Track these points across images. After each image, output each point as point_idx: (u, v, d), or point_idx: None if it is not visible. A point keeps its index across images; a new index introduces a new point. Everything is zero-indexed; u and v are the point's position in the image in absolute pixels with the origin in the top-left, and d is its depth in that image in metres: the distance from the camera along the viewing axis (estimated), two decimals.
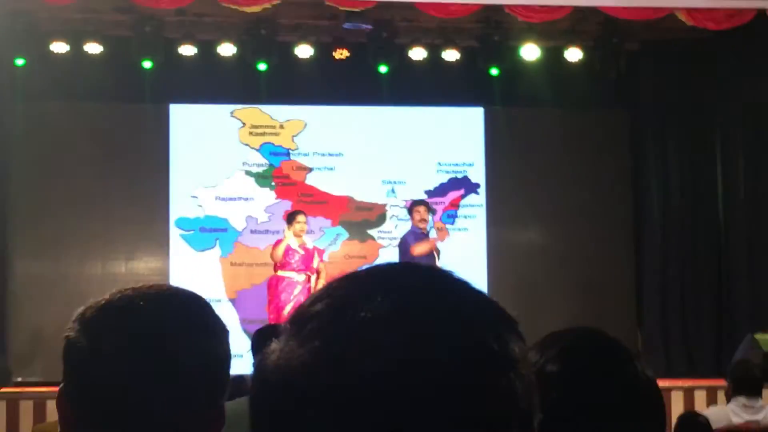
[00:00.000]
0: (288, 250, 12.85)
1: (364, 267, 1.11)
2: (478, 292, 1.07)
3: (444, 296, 1.04)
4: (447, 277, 1.07)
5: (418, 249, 12.60)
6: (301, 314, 1.05)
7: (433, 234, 13.03)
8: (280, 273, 12.87)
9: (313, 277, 12.90)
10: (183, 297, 1.87)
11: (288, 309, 12.40)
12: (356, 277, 1.07)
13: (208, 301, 1.90)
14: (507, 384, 1.00)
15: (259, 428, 1.05)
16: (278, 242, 13.03)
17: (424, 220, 12.91)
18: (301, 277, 12.78)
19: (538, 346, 1.82)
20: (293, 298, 12.63)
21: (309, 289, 12.69)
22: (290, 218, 13.09)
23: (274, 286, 12.96)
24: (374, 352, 0.97)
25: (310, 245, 13.12)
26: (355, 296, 1.02)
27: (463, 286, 1.06)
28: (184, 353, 1.76)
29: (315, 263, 12.94)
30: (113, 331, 1.77)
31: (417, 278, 1.06)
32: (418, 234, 12.84)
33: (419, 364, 0.97)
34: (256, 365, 1.07)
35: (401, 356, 0.97)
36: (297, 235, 12.91)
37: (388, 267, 1.10)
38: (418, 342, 0.98)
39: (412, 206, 13.23)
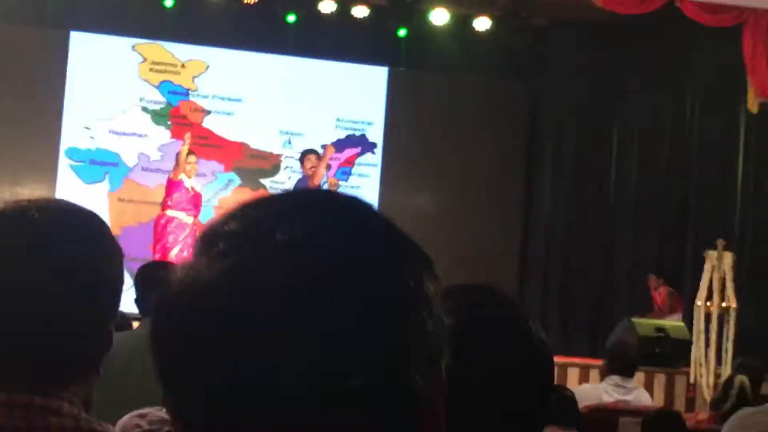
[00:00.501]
0: (180, 187, 12.70)
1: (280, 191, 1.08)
2: (396, 228, 1.05)
3: (362, 226, 1.02)
4: (366, 208, 1.04)
5: None
6: (213, 232, 1.00)
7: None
8: (169, 213, 12.72)
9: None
10: (78, 212, 1.84)
11: (175, 251, 12.24)
12: (273, 200, 1.04)
13: (104, 221, 1.87)
14: (419, 322, 0.99)
15: (161, 345, 1.01)
16: (170, 184, 12.85)
17: (314, 167, 12.86)
18: (189, 219, 12.62)
19: None
20: (181, 240, 12.48)
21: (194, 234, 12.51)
22: (181, 157, 12.91)
23: (162, 225, 12.80)
24: (287, 274, 0.94)
25: (198, 188, 12.98)
26: (272, 218, 0.99)
27: (382, 219, 1.04)
28: (71, 267, 1.73)
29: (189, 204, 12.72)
30: (5, 239, 1.73)
31: (336, 205, 1.03)
32: (306, 183, 12.83)
33: (331, 291, 0.95)
34: (160, 282, 1.03)
35: (314, 281, 0.95)
36: (189, 175, 12.77)
37: (307, 192, 1.07)
38: (333, 269, 0.96)
39: (303, 155, 13.25)
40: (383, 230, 1.03)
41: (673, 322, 12.84)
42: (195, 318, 0.96)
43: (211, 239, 1.00)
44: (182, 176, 12.77)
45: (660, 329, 12.32)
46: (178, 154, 12.89)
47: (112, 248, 1.82)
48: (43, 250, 1.72)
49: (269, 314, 0.94)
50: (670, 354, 12.12)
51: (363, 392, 0.95)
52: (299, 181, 13.14)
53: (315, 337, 0.93)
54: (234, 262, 0.96)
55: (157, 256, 12.39)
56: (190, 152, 13.02)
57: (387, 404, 0.97)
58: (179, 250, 12.28)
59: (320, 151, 14.19)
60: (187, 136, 12.93)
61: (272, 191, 10.50)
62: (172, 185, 12.78)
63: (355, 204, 1.05)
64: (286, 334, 0.93)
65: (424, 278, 1.02)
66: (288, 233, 0.97)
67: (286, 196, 1.07)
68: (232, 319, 0.94)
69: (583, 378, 11.74)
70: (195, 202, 12.77)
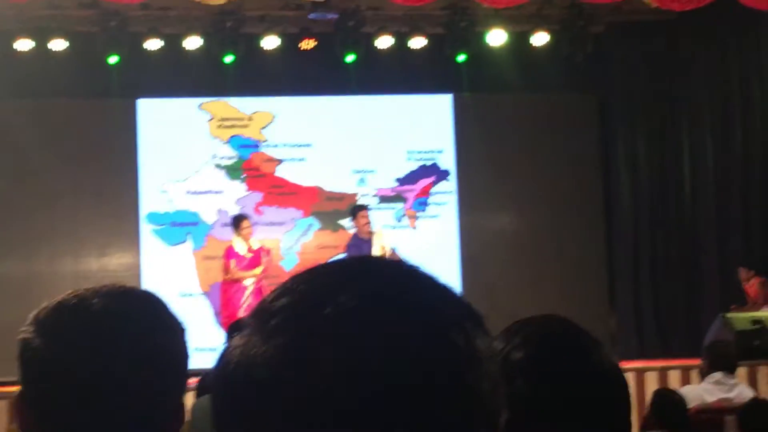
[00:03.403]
0: (235, 256, 12.89)
1: (329, 260, 1.09)
2: (444, 287, 1.05)
3: (408, 291, 1.02)
4: (411, 272, 1.05)
5: None
6: (264, 309, 1.02)
7: (379, 237, 12.82)
8: (228, 278, 12.86)
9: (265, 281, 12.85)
10: (137, 294, 1.84)
11: (240, 314, 12.35)
12: (320, 272, 1.05)
13: (162, 298, 1.86)
14: (472, 381, 0.99)
15: (222, 425, 1.02)
16: (227, 251, 13.02)
17: (368, 224, 12.78)
18: (249, 281, 12.73)
19: (504, 334, 1.82)
20: (242, 303, 12.57)
21: (259, 290, 12.62)
22: (236, 223, 13.10)
23: (224, 291, 12.99)
24: (338, 348, 0.96)
25: (256, 246, 13.06)
26: (319, 292, 1.00)
27: (428, 281, 1.04)
28: (138, 350, 1.73)
29: (260, 268, 12.85)
30: (67, 330, 1.74)
31: (381, 273, 1.04)
32: (360, 243, 12.73)
33: (383, 360, 0.96)
34: (218, 361, 1.04)
35: (365, 353, 0.96)
36: (245, 239, 12.94)
37: (352, 261, 1.08)
38: (382, 338, 0.97)
39: (355, 212, 13.09)
40: (429, 293, 1.03)
41: None
42: (252, 396, 0.98)
43: (263, 316, 1.01)
44: (235, 244, 12.97)
45: (757, 321, 12.17)
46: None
47: (172, 324, 1.82)
48: (107, 338, 1.73)
49: (321, 389, 0.95)
50: None
51: None
52: (350, 244, 13.00)
53: (368, 409, 0.94)
54: (285, 339, 0.98)
55: (224, 323, 12.55)
56: (244, 216, 13.23)
57: None
58: (243, 313, 12.40)
59: (395, 185, 14.27)
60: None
61: (352, 231, 10.46)
62: (230, 255, 12.97)
63: (400, 269, 1.05)
64: (338, 408, 0.94)
65: (474, 336, 1.01)
66: (335, 306, 0.98)
67: (332, 267, 1.06)
68: (287, 395, 0.96)
69: (684, 379, 11.61)
70: (253, 262, 12.87)
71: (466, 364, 0.99)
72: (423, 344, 0.97)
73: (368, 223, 12.78)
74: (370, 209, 13.22)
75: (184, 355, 1.81)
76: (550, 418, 1.72)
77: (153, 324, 1.79)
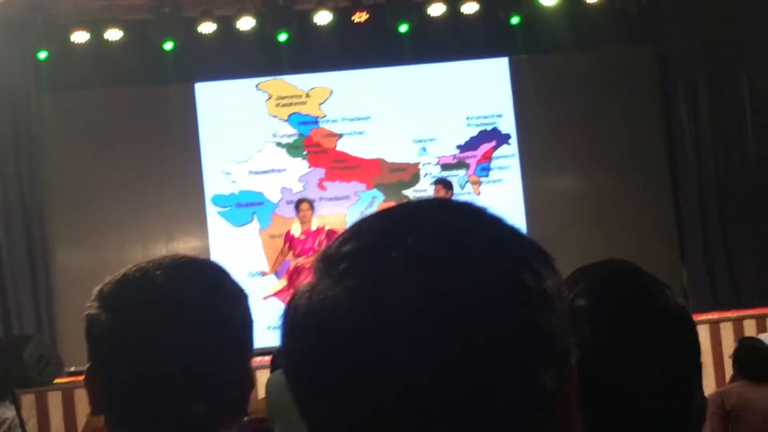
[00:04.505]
0: (290, 240, 13.19)
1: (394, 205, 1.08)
2: (512, 228, 1.04)
3: (476, 232, 1.01)
4: (479, 213, 1.04)
5: None
6: (332, 254, 1.02)
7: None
8: (295, 261, 13.10)
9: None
10: (198, 264, 1.86)
11: None
12: (387, 216, 1.05)
13: (222, 265, 1.87)
14: (543, 321, 0.98)
15: (293, 372, 1.03)
16: (285, 235, 13.33)
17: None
18: (308, 262, 12.89)
19: (567, 281, 1.79)
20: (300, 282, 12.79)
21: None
22: (295, 207, 13.36)
23: (289, 272, 13.16)
24: (409, 291, 0.95)
25: (314, 228, 13.22)
26: (386, 235, 1.00)
27: (496, 222, 1.04)
28: (202, 320, 1.75)
29: (316, 244, 13.03)
30: (132, 304, 1.76)
31: (448, 215, 1.04)
32: None
33: (454, 301, 0.95)
34: (285, 307, 1.05)
35: (436, 295, 0.95)
36: (302, 222, 13.18)
37: (419, 204, 1.07)
38: (452, 279, 0.96)
39: (434, 183, 13.35)
40: (496, 233, 1.03)
41: None
42: (322, 341, 0.98)
43: (331, 261, 1.01)
44: (292, 228, 13.27)
45: None
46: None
47: (234, 291, 1.83)
48: (171, 309, 1.75)
49: (393, 331, 0.95)
50: None
51: (493, 399, 0.95)
52: None
53: (440, 348, 0.94)
54: (355, 283, 0.98)
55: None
56: (302, 200, 13.39)
57: (518, 408, 0.97)
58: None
59: (456, 152, 14.24)
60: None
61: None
62: (286, 239, 13.29)
63: (465, 210, 1.05)
64: (409, 349, 0.94)
65: (544, 276, 1.00)
66: (402, 249, 0.97)
67: (397, 211, 1.06)
68: (358, 338, 0.96)
69: (760, 328, 11.51)
70: (306, 244, 13.04)
71: (535, 304, 0.98)
72: (491, 284, 0.97)
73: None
74: (444, 183, 13.26)
75: (248, 322, 1.82)
76: (620, 363, 1.70)
77: (215, 292, 1.80)
